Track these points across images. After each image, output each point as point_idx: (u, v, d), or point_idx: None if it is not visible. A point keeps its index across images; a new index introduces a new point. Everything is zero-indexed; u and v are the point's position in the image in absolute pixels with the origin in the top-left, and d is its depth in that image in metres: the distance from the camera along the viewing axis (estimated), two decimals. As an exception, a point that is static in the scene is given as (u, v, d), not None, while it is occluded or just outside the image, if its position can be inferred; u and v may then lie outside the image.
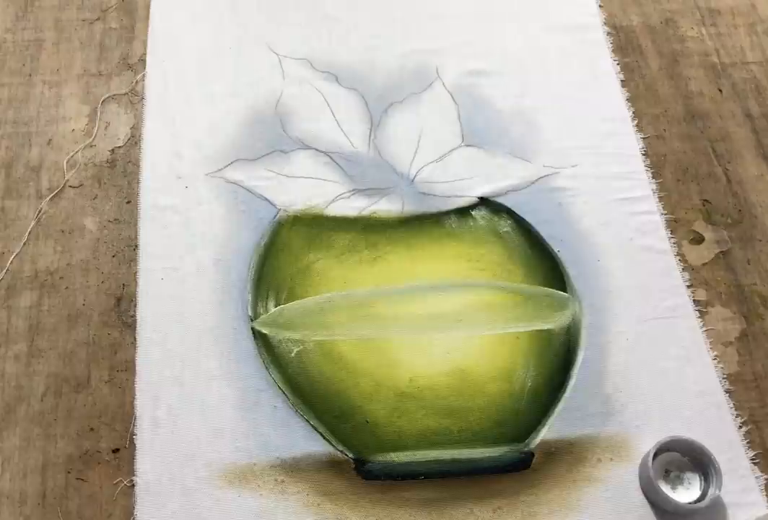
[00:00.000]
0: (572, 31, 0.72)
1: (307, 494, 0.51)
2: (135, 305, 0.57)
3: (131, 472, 0.52)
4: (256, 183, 0.63)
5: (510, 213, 0.62)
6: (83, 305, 0.57)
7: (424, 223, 0.61)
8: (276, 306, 0.57)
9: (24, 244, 0.60)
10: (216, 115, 0.66)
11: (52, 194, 0.62)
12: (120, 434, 0.53)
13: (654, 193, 0.64)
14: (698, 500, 0.51)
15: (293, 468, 0.52)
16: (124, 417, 0.53)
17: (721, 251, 0.62)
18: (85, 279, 0.58)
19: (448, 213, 0.62)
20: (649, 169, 0.65)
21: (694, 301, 0.60)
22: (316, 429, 0.53)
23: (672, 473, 0.53)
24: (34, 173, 0.62)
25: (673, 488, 0.52)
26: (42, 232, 0.60)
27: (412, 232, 0.61)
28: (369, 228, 0.61)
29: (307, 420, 0.54)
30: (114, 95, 0.66)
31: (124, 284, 0.58)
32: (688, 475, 0.53)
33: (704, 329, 0.59)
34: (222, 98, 0.66)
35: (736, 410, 0.56)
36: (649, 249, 0.61)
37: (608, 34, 0.72)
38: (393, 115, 0.66)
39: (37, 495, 0.51)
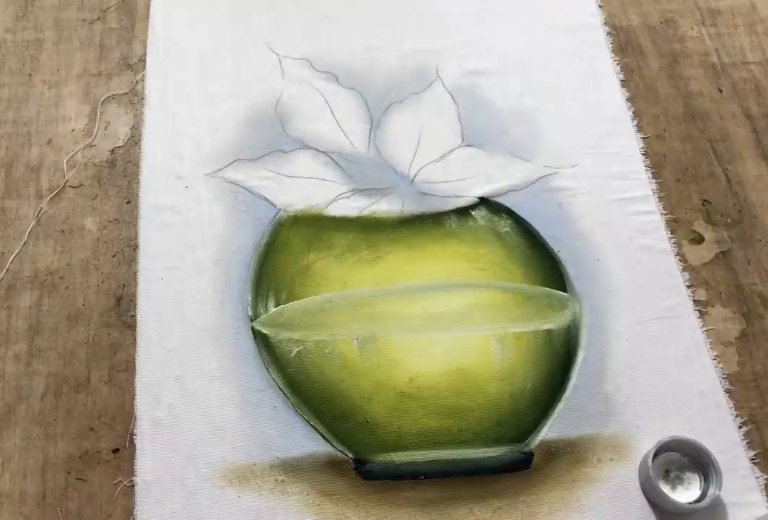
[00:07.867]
0: (572, 31, 0.72)
1: (307, 494, 0.51)
2: (135, 305, 0.57)
3: (131, 472, 0.52)
4: (256, 183, 0.63)
5: (510, 213, 0.62)
6: (83, 305, 0.57)
7: (424, 223, 0.61)
8: (276, 306, 0.57)
9: (24, 244, 0.60)
10: (216, 115, 0.66)
11: (52, 194, 0.62)
12: (120, 434, 0.53)
13: (654, 193, 0.64)
14: (698, 500, 0.51)
15: (293, 468, 0.52)
16: (124, 417, 0.54)
17: (721, 251, 0.62)
18: (85, 279, 0.58)
19: (448, 213, 0.62)
20: (649, 169, 0.65)
21: (694, 301, 0.60)
22: (316, 429, 0.53)
23: (672, 473, 0.53)
24: (34, 173, 0.62)
25: (673, 488, 0.52)
26: (42, 232, 0.60)
27: (412, 232, 0.61)
28: (369, 228, 0.61)
29: (307, 420, 0.54)
30: (114, 95, 0.66)
31: (124, 284, 0.58)
32: (688, 475, 0.53)
33: (704, 329, 0.59)
34: (222, 98, 0.66)
35: (736, 410, 0.56)
36: (648, 249, 0.61)
37: (608, 34, 0.72)
38: (393, 115, 0.66)
39: (37, 495, 0.51)
